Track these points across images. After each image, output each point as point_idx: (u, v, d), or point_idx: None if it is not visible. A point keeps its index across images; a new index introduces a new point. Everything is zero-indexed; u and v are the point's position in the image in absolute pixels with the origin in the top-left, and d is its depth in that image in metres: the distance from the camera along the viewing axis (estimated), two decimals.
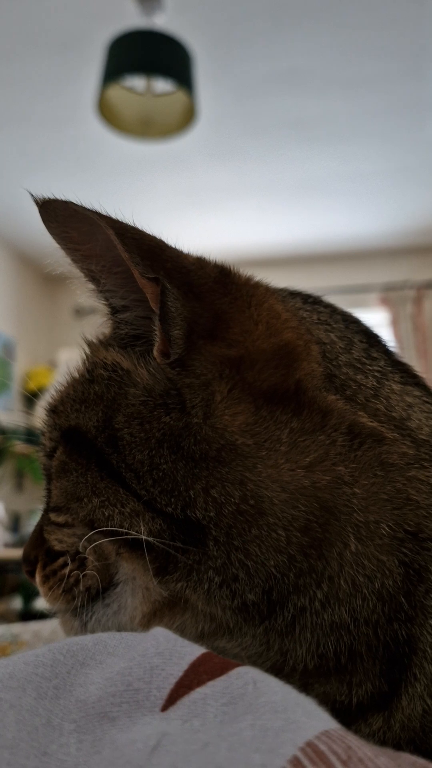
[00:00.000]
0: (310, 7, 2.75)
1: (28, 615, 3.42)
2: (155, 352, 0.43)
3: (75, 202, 0.42)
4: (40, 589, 0.47)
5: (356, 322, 0.50)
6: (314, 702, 0.29)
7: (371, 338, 0.49)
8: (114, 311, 0.46)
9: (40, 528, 0.48)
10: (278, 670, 0.38)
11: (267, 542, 0.38)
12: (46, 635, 1.27)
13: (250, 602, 0.38)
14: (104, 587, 0.44)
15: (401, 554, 0.38)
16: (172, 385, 0.42)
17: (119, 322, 0.46)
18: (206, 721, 0.28)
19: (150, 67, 2.34)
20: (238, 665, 0.31)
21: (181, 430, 0.41)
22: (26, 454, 4.33)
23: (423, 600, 0.38)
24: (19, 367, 5.08)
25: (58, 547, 0.46)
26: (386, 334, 0.55)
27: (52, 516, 0.46)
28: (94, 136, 3.42)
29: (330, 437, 0.40)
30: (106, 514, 0.42)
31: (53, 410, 0.48)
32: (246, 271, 0.48)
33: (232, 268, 0.47)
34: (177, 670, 0.31)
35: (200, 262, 0.46)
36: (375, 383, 0.45)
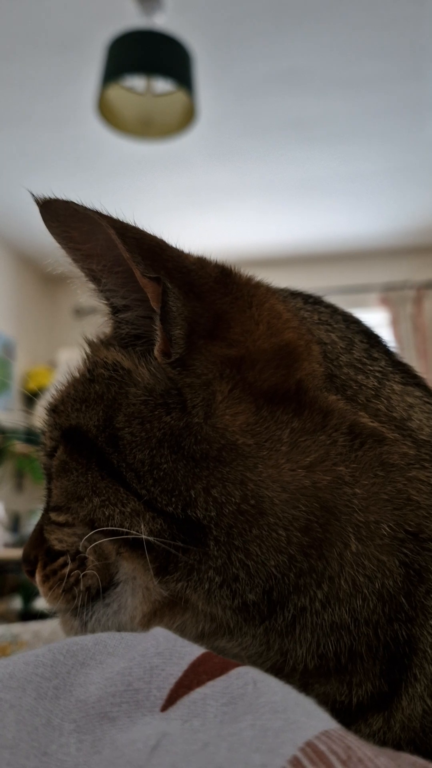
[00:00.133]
0: (310, 7, 2.75)
1: (28, 615, 3.42)
2: (156, 352, 0.43)
3: (76, 201, 0.42)
4: (40, 589, 0.47)
5: (357, 323, 0.50)
6: (314, 702, 0.29)
7: (372, 338, 0.49)
8: (115, 311, 0.46)
9: (40, 527, 0.48)
10: (278, 670, 0.38)
11: (267, 542, 0.38)
12: (46, 635, 1.27)
13: (250, 602, 0.38)
14: (104, 587, 0.44)
15: (402, 554, 0.38)
16: (172, 384, 0.42)
17: (120, 322, 0.46)
18: (206, 721, 0.27)
19: (150, 67, 2.34)
20: (238, 665, 0.31)
21: (182, 430, 0.41)
22: (26, 454, 4.33)
23: (423, 600, 0.38)
24: (19, 367, 5.08)
25: (58, 546, 0.46)
26: (386, 335, 0.55)
27: (53, 515, 0.46)
28: (94, 136, 3.42)
29: (331, 437, 0.40)
30: (107, 513, 0.42)
31: (54, 410, 0.48)
32: (246, 271, 0.48)
33: (233, 268, 0.47)
34: (177, 670, 0.31)
35: (201, 262, 0.46)
36: (376, 383, 0.45)
